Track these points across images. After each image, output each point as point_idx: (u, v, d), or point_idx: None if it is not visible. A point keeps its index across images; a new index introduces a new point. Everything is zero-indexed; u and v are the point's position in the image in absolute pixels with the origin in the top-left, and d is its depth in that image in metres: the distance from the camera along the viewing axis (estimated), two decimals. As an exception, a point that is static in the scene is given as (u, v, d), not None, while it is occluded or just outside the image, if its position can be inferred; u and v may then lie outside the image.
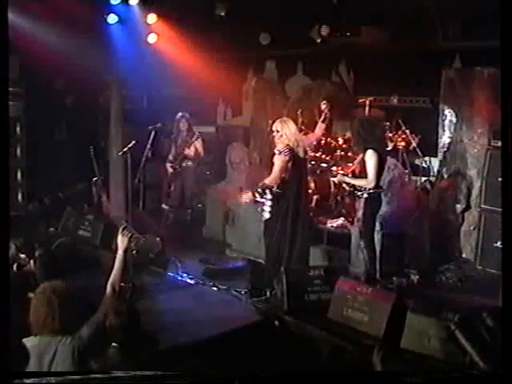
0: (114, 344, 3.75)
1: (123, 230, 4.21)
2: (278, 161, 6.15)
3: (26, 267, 4.93)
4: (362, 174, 6.02)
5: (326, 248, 7.15)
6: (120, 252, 4.15)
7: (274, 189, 6.26)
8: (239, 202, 6.90)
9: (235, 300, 6.22)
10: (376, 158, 5.90)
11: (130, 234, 4.19)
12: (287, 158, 6.15)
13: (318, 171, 7.74)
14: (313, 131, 8.08)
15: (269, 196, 6.31)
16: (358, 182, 6.11)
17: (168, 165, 8.61)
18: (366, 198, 6.01)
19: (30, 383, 2.75)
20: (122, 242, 4.19)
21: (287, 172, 6.22)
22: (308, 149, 7.59)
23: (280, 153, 6.17)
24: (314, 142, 7.51)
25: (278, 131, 6.26)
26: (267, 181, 6.17)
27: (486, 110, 7.14)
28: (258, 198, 6.23)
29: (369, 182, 5.94)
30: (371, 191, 5.97)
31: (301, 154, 6.29)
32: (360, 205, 6.15)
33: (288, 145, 6.17)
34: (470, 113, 7.31)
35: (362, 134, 6.04)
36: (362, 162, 6.02)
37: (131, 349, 3.75)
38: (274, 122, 6.48)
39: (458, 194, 7.34)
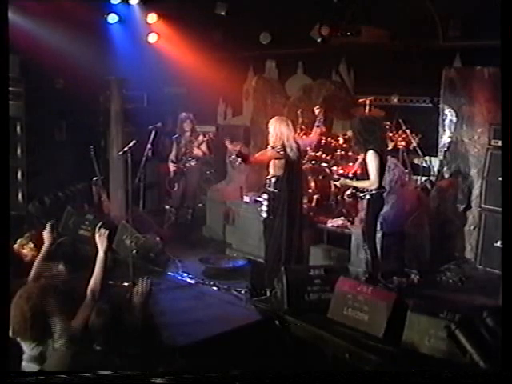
0: (97, 347, 3.73)
1: (100, 229, 4.03)
2: (269, 152, 6.29)
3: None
4: (364, 175, 6.01)
5: (326, 248, 7.14)
6: (101, 253, 4.01)
7: (269, 188, 6.30)
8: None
9: (235, 300, 6.21)
10: (378, 159, 5.88)
11: (107, 233, 4.03)
12: (279, 154, 6.22)
13: (320, 176, 7.73)
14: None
15: (265, 196, 6.35)
16: (360, 184, 6.09)
17: (171, 165, 8.58)
18: (369, 199, 6.01)
19: (30, 383, 2.75)
20: (100, 242, 4.03)
21: (280, 170, 6.26)
22: (308, 148, 7.64)
23: (273, 148, 6.24)
24: (314, 143, 7.53)
25: (269, 131, 6.36)
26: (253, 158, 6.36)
27: (487, 109, 7.13)
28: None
29: (372, 184, 5.93)
30: (374, 192, 5.96)
31: (293, 154, 6.32)
32: (362, 206, 6.14)
33: (282, 144, 6.23)
34: (470, 112, 7.31)
35: (363, 134, 6.01)
36: (364, 163, 6.02)
37: (118, 349, 3.74)
38: (269, 120, 6.52)
39: (458, 193, 7.34)
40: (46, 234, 4.52)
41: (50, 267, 4.38)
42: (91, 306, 3.80)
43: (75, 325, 3.62)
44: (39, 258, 4.39)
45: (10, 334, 3.59)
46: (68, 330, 3.53)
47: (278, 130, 6.30)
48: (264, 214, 6.38)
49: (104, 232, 4.02)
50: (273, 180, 6.32)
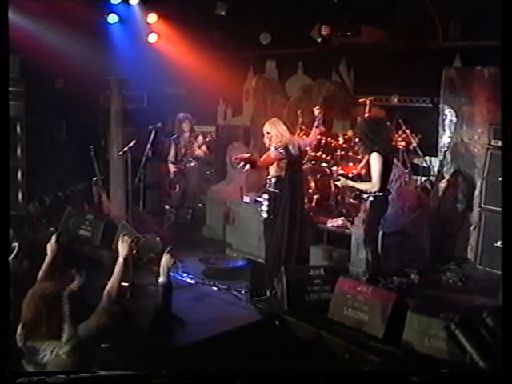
0: (103, 345, 3.73)
1: (123, 236, 4.32)
2: (272, 154, 6.25)
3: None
4: (368, 176, 6.00)
5: (326, 248, 7.14)
6: (120, 259, 4.25)
7: (270, 189, 6.30)
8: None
9: (235, 300, 6.21)
10: (381, 161, 5.84)
11: (130, 241, 4.29)
12: (282, 155, 6.22)
13: (318, 175, 7.74)
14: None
15: (266, 196, 6.34)
16: (361, 186, 6.08)
17: (171, 165, 8.57)
18: (372, 201, 5.98)
19: (30, 383, 2.75)
20: (122, 249, 4.29)
21: (282, 171, 6.26)
22: (308, 148, 7.64)
23: (276, 149, 6.24)
24: (314, 143, 7.53)
25: (268, 133, 6.33)
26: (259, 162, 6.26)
27: (487, 109, 7.14)
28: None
29: (373, 186, 5.90)
30: (378, 194, 5.94)
31: (294, 154, 6.33)
32: (366, 207, 6.12)
33: (285, 144, 6.24)
34: (470, 112, 7.32)
35: (369, 136, 5.98)
36: (368, 165, 6.00)
37: (122, 349, 3.73)
38: (264, 124, 6.51)
39: (458, 193, 7.34)
40: (49, 246, 4.51)
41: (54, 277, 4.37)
42: (106, 308, 3.85)
43: (90, 326, 3.64)
44: (42, 269, 4.37)
45: (21, 334, 3.58)
46: (74, 338, 3.54)
47: (282, 130, 6.30)
48: (264, 215, 6.38)
49: (127, 239, 4.30)
50: (273, 180, 6.32)
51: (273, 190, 6.30)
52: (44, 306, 3.52)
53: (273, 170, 6.34)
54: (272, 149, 6.29)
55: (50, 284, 3.83)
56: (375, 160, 5.86)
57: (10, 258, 4.41)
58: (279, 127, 6.32)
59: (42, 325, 3.51)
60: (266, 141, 6.36)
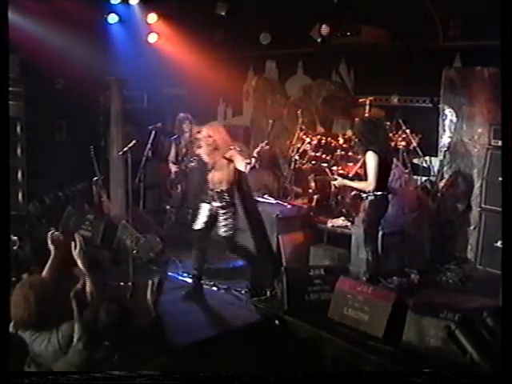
0: (105, 343, 3.74)
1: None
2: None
3: None
4: (365, 176, 5.98)
5: (326, 248, 7.14)
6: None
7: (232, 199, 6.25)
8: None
9: (235, 300, 6.21)
10: (376, 160, 5.82)
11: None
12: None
13: (313, 174, 7.74)
14: (313, 131, 8.15)
15: (231, 209, 6.26)
16: (357, 185, 6.08)
17: (172, 166, 8.56)
18: (371, 200, 5.97)
19: (30, 383, 2.75)
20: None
21: (234, 176, 6.19)
22: (308, 149, 7.63)
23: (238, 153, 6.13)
24: None
25: (209, 136, 6.15)
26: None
27: (487, 109, 7.14)
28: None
29: (368, 185, 5.88)
30: (377, 193, 5.93)
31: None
32: (365, 206, 6.12)
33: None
34: (470, 112, 7.31)
35: (366, 136, 5.97)
36: (364, 164, 6.00)
37: (123, 348, 3.74)
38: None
39: (458, 193, 7.34)
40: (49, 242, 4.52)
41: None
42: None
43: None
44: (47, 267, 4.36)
45: (12, 325, 3.59)
46: (84, 336, 3.56)
47: (226, 137, 6.20)
48: (229, 231, 6.24)
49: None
50: (226, 189, 6.23)
51: (228, 200, 6.23)
52: (33, 296, 3.54)
53: (224, 177, 6.22)
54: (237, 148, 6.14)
55: (39, 276, 3.86)
56: (370, 159, 5.85)
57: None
58: (223, 133, 6.19)
59: (32, 315, 3.53)
60: (203, 144, 6.21)
